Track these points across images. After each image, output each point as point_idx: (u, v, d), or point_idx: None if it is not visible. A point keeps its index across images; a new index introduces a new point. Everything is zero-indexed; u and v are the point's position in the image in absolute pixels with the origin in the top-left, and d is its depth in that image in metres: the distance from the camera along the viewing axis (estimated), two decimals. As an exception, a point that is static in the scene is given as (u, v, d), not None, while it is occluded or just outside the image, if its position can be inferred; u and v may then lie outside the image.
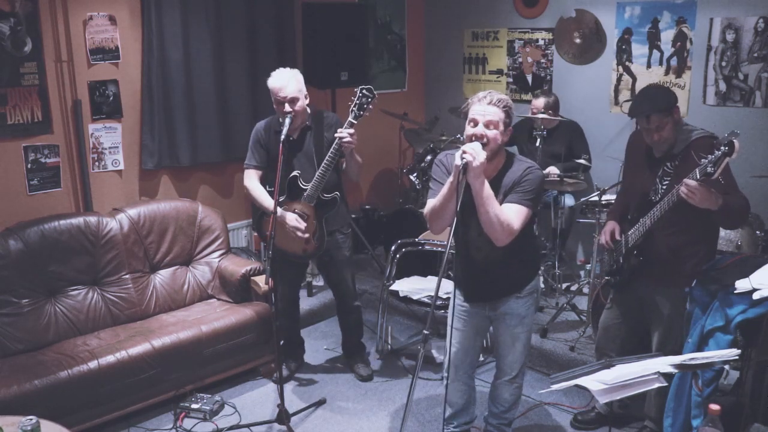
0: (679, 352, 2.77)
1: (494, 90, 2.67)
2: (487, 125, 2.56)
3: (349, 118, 3.33)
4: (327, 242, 3.58)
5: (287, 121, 3.31)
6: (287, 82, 3.39)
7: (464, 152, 2.47)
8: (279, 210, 3.38)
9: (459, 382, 3.06)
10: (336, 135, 3.34)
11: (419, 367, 2.47)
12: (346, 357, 4.12)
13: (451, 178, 2.56)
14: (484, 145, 2.53)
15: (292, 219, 3.46)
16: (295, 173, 3.49)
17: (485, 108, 2.58)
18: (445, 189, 2.60)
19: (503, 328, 2.89)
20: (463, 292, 2.92)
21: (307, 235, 3.49)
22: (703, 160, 2.52)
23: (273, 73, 3.45)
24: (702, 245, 2.91)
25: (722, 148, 2.43)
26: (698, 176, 2.53)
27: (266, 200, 3.49)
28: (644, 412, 3.16)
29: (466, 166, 2.46)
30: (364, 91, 3.31)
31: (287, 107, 3.38)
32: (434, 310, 3.67)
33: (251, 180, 3.59)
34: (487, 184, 2.54)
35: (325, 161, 3.38)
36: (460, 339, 2.95)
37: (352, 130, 3.32)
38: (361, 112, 3.33)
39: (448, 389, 3.12)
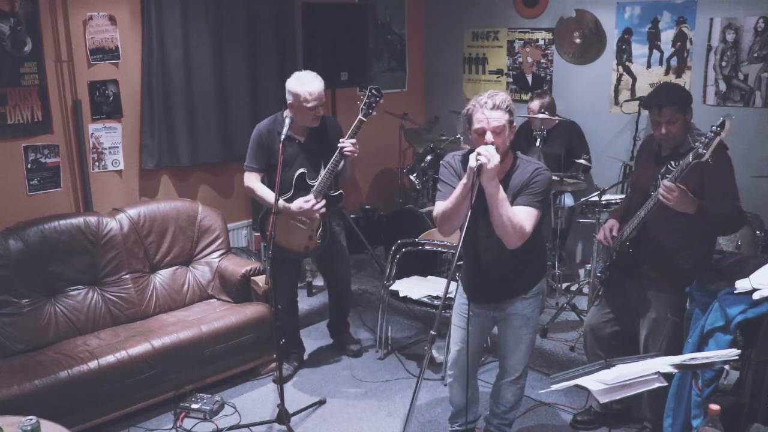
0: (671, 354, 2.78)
1: (493, 90, 2.66)
2: (494, 131, 2.55)
3: (360, 116, 3.45)
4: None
5: (287, 121, 3.34)
6: (320, 86, 3.47)
7: (479, 154, 2.46)
8: (283, 202, 3.46)
9: (461, 382, 3.06)
10: (339, 144, 3.46)
11: (425, 367, 2.47)
12: (334, 336, 4.23)
13: (464, 180, 2.55)
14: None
15: (299, 202, 3.52)
16: (302, 171, 3.57)
17: (490, 114, 2.55)
18: (457, 191, 2.59)
19: (508, 329, 2.89)
20: (469, 293, 2.92)
21: (322, 210, 3.56)
22: (697, 144, 2.55)
23: (303, 78, 3.47)
24: (697, 249, 2.91)
25: (714, 128, 2.47)
26: (690, 159, 2.55)
27: (270, 197, 3.52)
28: (642, 412, 3.16)
29: (480, 168, 2.45)
30: (373, 91, 3.45)
31: (321, 111, 3.50)
32: (436, 310, 3.70)
33: (252, 181, 3.62)
34: (500, 187, 2.54)
35: (332, 161, 3.50)
36: (462, 337, 2.93)
37: (354, 140, 3.45)
38: (371, 111, 3.46)
39: (450, 388, 3.12)
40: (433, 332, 2.39)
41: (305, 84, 3.43)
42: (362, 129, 3.51)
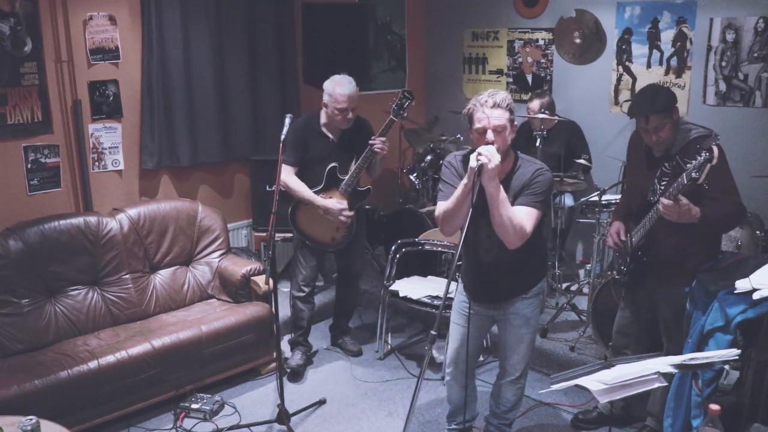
0: (682, 351, 2.78)
1: (493, 89, 2.65)
2: (495, 130, 2.54)
3: (391, 116, 3.62)
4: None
5: (287, 120, 3.36)
6: (351, 89, 3.59)
7: (479, 154, 2.46)
8: (322, 200, 3.69)
9: (459, 380, 3.06)
10: (370, 142, 3.59)
11: (425, 367, 2.47)
12: (334, 337, 4.27)
13: (465, 180, 2.55)
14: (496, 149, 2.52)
15: (333, 202, 3.68)
16: (333, 164, 3.72)
17: (491, 113, 2.54)
18: (458, 191, 2.59)
19: (508, 328, 2.89)
20: (469, 293, 2.92)
21: (348, 221, 3.73)
22: (688, 165, 2.55)
23: (338, 80, 3.62)
24: (704, 244, 2.91)
25: (704, 153, 2.47)
26: (685, 181, 2.56)
27: (304, 191, 3.70)
28: (647, 409, 3.16)
29: (481, 168, 2.45)
30: (405, 94, 3.64)
31: (350, 114, 3.63)
32: (435, 310, 3.70)
33: (288, 174, 3.73)
34: (501, 187, 2.54)
35: (362, 157, 3.66)
36: (461, 335, 2.94)
37: (384, 139, 3.61)
38: (402, 112, 3.65)
39: (447, 386, 3.12)
40: (433, 332, 2.39)
41: (338, 86, 3.59)
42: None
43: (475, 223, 2.67)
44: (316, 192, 3.71)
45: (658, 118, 2.78)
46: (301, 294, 3.91)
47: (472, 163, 2.48)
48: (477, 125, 2.57)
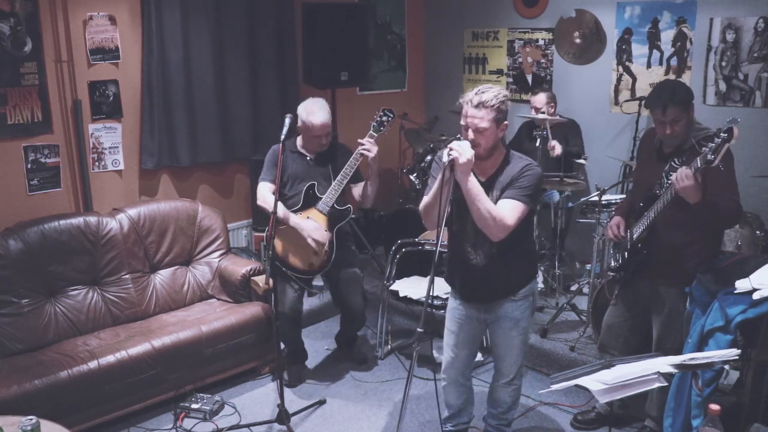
0: (677, 351, 2.78)
1: (487, 85, 2.64)
2: (476, 130, 2.56)
3: (370, 131, 3.59)
4: (336, 257, 3.66)
5: (287, 121, 3.35)
6: (324, 118, 3.58)
7: (450, 149, 2.50)
8: (296, 219, 3.59)
9: (455, 384, 3.06)
10: (359, 141, 3.55)
11: (413, 365, 2.47)
12: (339, 346, 4.21)
13: (440, 175, 2.59)
14: (475, 147, 2.54)
15: (312, 227, 3.58)
16: (312, 182, 3.66)
17: (474, 112, 2.56)
18: (435, 185, 2.64)
19: (499, 331, 2.89)
20: (457, 292, 2.92)
21: (326, 241, 3.61)
22: (704, 148, 2.54)
23: (310, 108, 3.59)
24: (704, 244, 2.92)
25: (722, 135, 2.46)
26: (699, 164, 2.54)
27: (279, 209, 3.51)
28: (645, 411, 3.17)
29: (452, 163, 2.49)
30: (386, 112, 3.63)
31: (324, 140, 3.64)
32: (434, 310, 3.69)
33: (266, 192, 3.64)
34: (474, 181, 2.55)
35: (342, 172, 3.60)
36: (454, 342, 2.95)
37: (372, 140, 3.56)
38: (381, 128, 3.62)
39: (444, 391, 3.12)
40: (419, 329, 2.42)
41: (312, 114, 3.58)
42: (362, 129, 3.60)
43: (462, 218, 2.70)
44: (294, 211, 3.62)
45: (675, 111, 2.79)
46: (282, 313, 3.64)
47: (444, 158, 2.51)
48: (461, 122, 2.62)
